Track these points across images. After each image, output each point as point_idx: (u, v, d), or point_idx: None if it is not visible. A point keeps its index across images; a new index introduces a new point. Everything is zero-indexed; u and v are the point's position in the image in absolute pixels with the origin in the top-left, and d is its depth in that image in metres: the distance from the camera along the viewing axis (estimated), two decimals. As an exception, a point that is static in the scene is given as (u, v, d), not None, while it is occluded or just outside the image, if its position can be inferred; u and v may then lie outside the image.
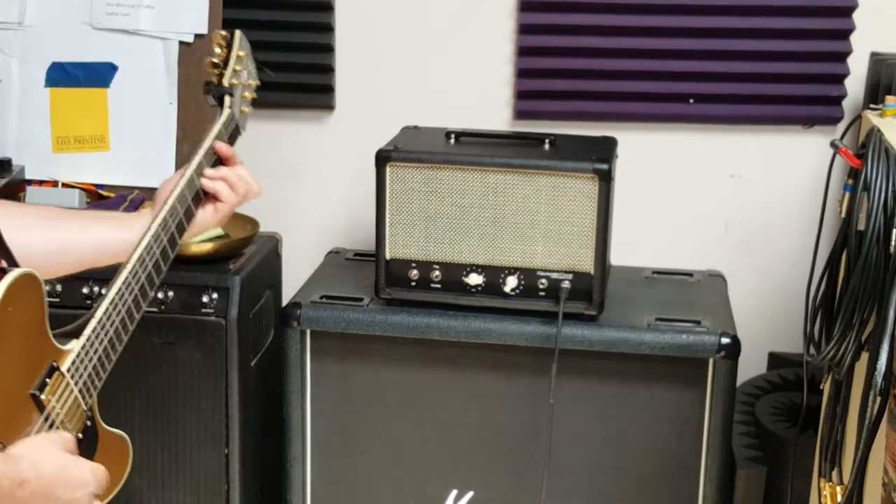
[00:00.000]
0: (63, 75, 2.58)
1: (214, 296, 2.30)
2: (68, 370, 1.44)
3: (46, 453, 1.33)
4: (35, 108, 2.59)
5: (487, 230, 2.20)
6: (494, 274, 2.22)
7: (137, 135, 2.58)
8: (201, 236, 2.41)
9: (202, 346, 2.31)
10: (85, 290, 2.31)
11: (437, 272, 2.24)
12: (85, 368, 1.47)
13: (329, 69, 2.72)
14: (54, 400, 1.40)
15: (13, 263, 1.40)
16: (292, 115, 2.78)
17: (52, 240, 1.65)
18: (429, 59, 2.71)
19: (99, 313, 1.50)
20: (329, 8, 2.69)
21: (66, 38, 2.56)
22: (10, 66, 2.59)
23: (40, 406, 1.37)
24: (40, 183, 2.57)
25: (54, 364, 1.41)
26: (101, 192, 2.56)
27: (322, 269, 2.55)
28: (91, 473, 1.39)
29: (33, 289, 1.37)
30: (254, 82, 1.91)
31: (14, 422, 1.33)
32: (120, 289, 1.54)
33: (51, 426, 1.39)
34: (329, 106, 2.76)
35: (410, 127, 2.44)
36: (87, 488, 1.38)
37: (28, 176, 2.57)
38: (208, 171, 1.74)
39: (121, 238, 1.67)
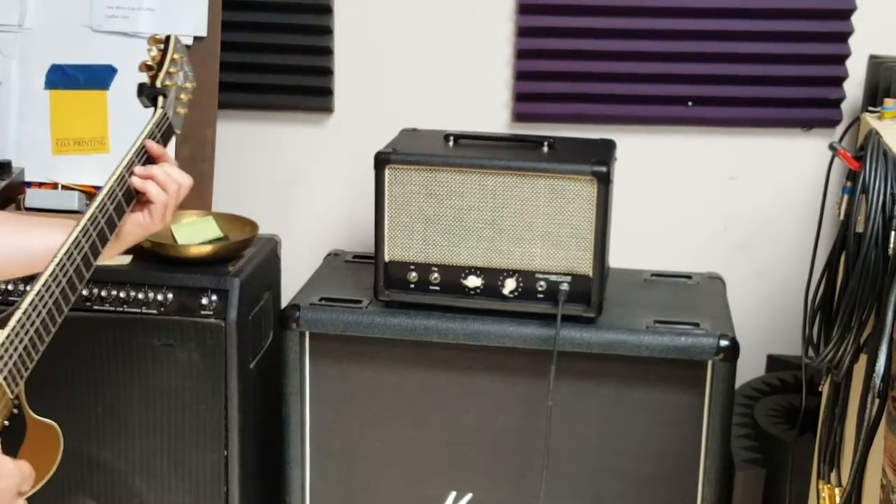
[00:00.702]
0: (63, 77, 2.58)
1: (214, 298, 2.30)
2: None
3: None
4: (35, 111, 2.59)
5: (486, 232, 2.20)
6: (493, 276, 2.22)
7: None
8: (200, 238, 2.42)
9: (201, 348, 2.32)
10: (84, 292, 2.31)
11: (435, 274, 2.24)
12: (10, 357, 1.47)
13: (328, 72, 2.73)
14: None
15: None
16: (291, 117, 2.78)
17: (7, 244, 1.69)
18: (428, 61, 2.71)
19: (25, 304, 1.51)
20: (328, 11, 2.69)
21: (65, 40, 2.57)
22: (10, 69, 2.59)
23: None
24: (40, 185, 2.57)
25: None
26: (100, 193, 2.56)
27: (321, 271, 2.55)
28: (14, 467, 1.40)
29: None
30: (190, 85, 1.95)
31: None
32: (46, 281, 1.55)
33: None
34: (328, 108, 2.76)
35: (409, 129, 2.45)
36: (7, 480, 1.38)
37: (28, 178, 2.57)
38: (137, 170, 1.76)
39: (62, 241, 1.68)
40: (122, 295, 2.31)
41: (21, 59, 2.59)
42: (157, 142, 1.82)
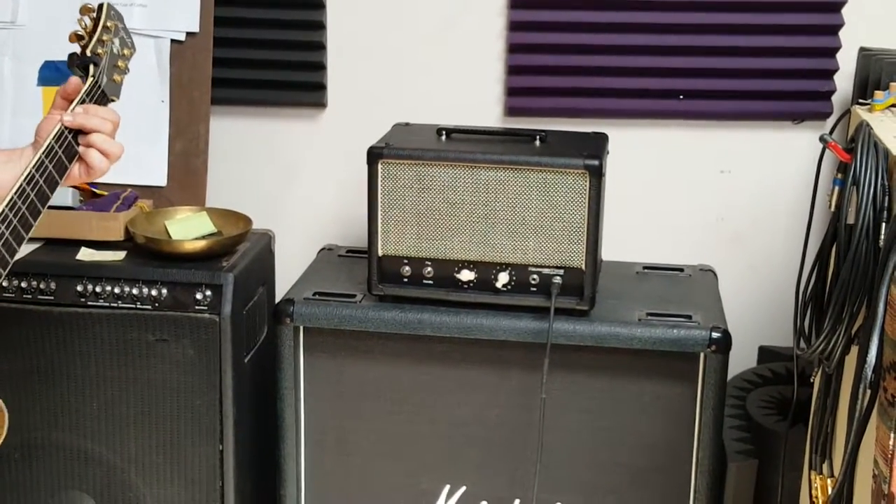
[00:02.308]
0: (55, 74, 2.58)
1: (208, 293, 2.31)
2: None
3: None
4: (28, 107, 2.59)
5: (479, 226, 2.21)
6: (486, 270, 2.23)
7: (129, 133, 2.56)
8: (194, 234, 2.42)
9: (196, 343, 2.32)
10: (79, 288, 2.32)
11: (428, 268, 2.24)
12: None
13: (321, 67, 2.73)
14: None
15: None
16: (284, 112, 2.78)
17: None
18: (420, 56, 2.72)
19: None
20: (321, 6, 2.69)
21: (58, 36, 2.55)
22: (3, 65, 2.59)
23: None
24: (32, 181, 2.56)
25: None
26: (94, 190, 2.56)
27: (315, 265, 2.56)
28: None
29: None
30: (128, 51, 1.94)
31: None
32: None
33: None
34: (321, 104, 2.76)
35: (402, 124, 2.45)
36: None
37: (20, 174, 2.56)
38: (66, 119, 1.77)
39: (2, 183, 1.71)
40: (116, 291, 2.32)
41: (14, 55, 2.58)
42: None
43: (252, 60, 2.73)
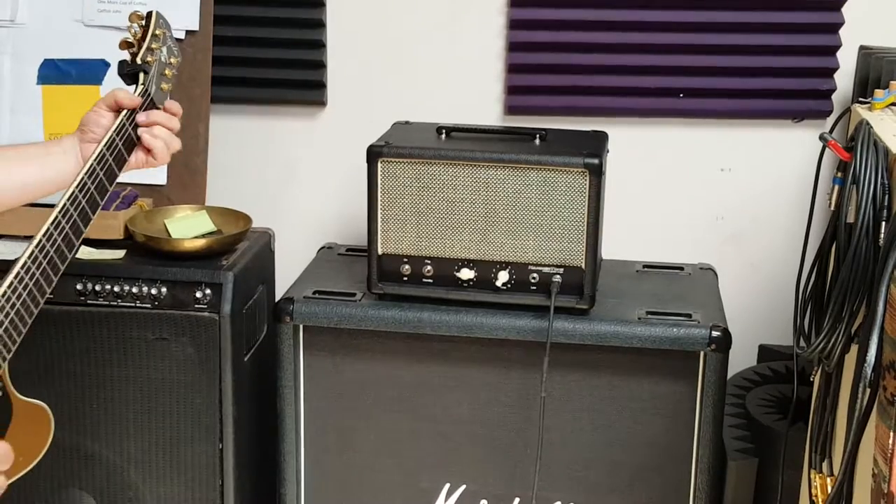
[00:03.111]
0: (55, 72, 2.58)
1: (207, 291, 2.31)
2: None
3: None
4: (27, 105, 2.59)
5: (479, 225, 2.21)
6: (486, 268, 2.23)
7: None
8: (194, 232, 2.42)
9: (195, 342, 2.32)
10: (79, 287, 2.32)
11: (428, 267, 2.24)
12: None
13: (321, 65, 2.73)
14: None
15: None
16: (284, 111, 2.78)
17: None
18: (420, 54, 2.72)
19: (4, 285, 1.49)
20: (320, 4, 2.69)
21: (58, 35, 2.57)
22: (3, 63, 2.59)
23: None
24: (33, 180, 2.57)
25: None
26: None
27: (314, 264, 2.56)
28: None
29: None
30: (175, 60, 1.94)
31: None
32: (25, 262, 1.54)
33: None
34: (321, 102, 2.76)
35: (402, 122, 2.45)
36: None
37: (20, 173, 2.56)
38: (141, 118, 1.81)
39: (41, 177, 1.73)
40: (115, 289, 2.32)
41: (13, 53, 2.58)
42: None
43: (252, 59, 2.73)
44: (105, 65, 2.57)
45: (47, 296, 1.58)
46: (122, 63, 1.88)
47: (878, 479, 1.46)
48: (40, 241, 1.57)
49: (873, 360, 1.45)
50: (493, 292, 2.23)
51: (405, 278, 2.26)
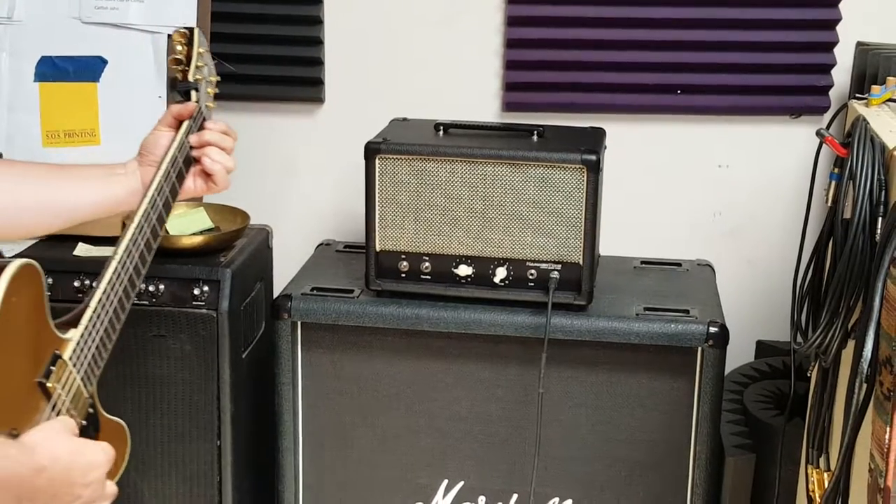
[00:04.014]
0: (52, 69, 2.57)
1: (205, 288, 2.31)
2: (70, 358, 1.45)
3: (59, 439, 1.35)
4: (24, 103, 2.58)
5: (476, 221, 2.21)
6: (484, 265, 2.23)
7: (127, 129, 2.57)
8: (192, 229, 2.42)
9: (193, 339, 2.32)
10: (76, 284, 2.32)
11: (426, 263, 2.25)
12: (85, 356, 1.49)
13: (318, 62, 2.73)
14: (59, 387, 1.42)
15: None
16: (282, 108, 2.78)
17: (40, 200, 1.67)
18: (418, 51, 2.72)
19: (94, 302, 1.52)
20: (318, 1, 2.69)
21: (55, 32, 2.56)
22: (0, 61, 2.59)
23: (47, 394, 1.39)
24: (30, 177, 2.56)
25: (57, 352, 1.43)
26: (91, 185, 2.55)
27: (312, 261, 2.56)
28: (103, 454, 1.42)
29: (34, 279, 1.39)
30: (214, 78, 1.95)
31: (24, 409, 1.35)
32: (111, 278, 1.56)
33: (57, 414, 1.41)
34: (318, 99, 2.76)
35: (399, 119, 2.45)
36: (100, 469, 1.40)
37: (18, 170, 2.56)
38: (193, 140, 1.79)
39: (105, 197, 1.72)
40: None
41: (11, 51, 2.58)
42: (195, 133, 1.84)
43: (249, 56, 2.73)
44: (102, 62, 2.56)
45: (126, 314, 1.60)
46: (174, 80, 1.88)
47: (874, 474, 1.46)
48: (121, 258, 1.59)
49: (869, 355, 1.46)
50: (490, 288, 2.24)
51: (403, 275, 2.26)
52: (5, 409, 1.31)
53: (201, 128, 1.84)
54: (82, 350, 1.48)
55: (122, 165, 1.78)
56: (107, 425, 1.56)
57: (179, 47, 1.89)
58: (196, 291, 2.31)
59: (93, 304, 1.52)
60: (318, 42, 2.72)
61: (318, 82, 2.74)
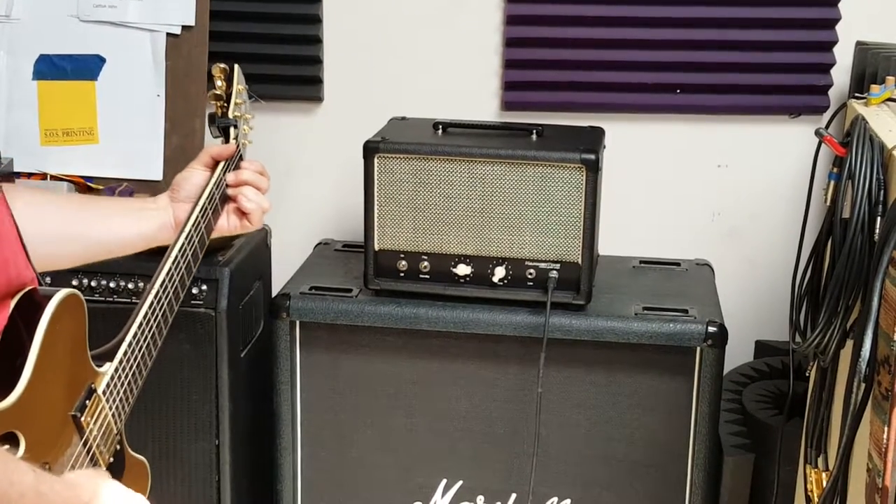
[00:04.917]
0: (51, 68, 2.57)
1: (204, 287, 2.30)
2: (103, 392, 1.41)
3: (101, 479, 1.31)
4: (23, 101, 2.58)
5: (475, 221, 2.21)
6: (482, 264, 2.23)
7: (126, 127, 2.58)
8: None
9: (192, 338, 2.32)
10: (74, 283, 2.31)
11: (425, 263, 2.24)
12: (117, 392, 1.44)
13: (317, 61, 2.73)
14: (92, 422, 1.37)
15: (31, 265, 1.38)
16: (281, 107, 2.78)
17: (67, 231, 1.64)
18: (417, 50, 2.71)
19: (129, 336, 1.47)
20: (317, -1, 2.69)
21: (53, 30, 2.56)
22: (-2, 59, 2.59)
23: (80, 428, 1.35)
24: (29, 175, 2.57)
25: (92, 386, 1.38)
26: (89, 184, 2.55)
27: (311, 260, 2.56)
28: (143, 499, 1.37)
29: (78, 309, 1.35)
30: (249, 116, 1.92)
31: (57, 442, 1.31)
32: (146, 312, 1.52)
33: (88, 450, 1.37)
34: (317, 98, 2.76)
35: (398, 118, 2.45)
36: None
37: (16, 168, 2.56)
38: (230, 178, 1.77)
39: (136, 231, 1.69)
40: (111, 285, 2.31)
41: (9, 49, 2.58)
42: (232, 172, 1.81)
43: (248, 54, 2.72)
44: (101, 60, 2.56)
45: (158, 348, 1.56)
46: (212, 116, 1.85)
47: (872, 473, 1.46)
48: (157, 292, 1.55)
49: (868, 355, 1.46)
50: (489, 288, 2.23)
51: (402, 274, 2.26)
52: (42, 441, 1.27)
53: (237, 166, 1.81)
54: (115, 385, 1.44)
55: (154, 200, 1.75)
56: (131, 463, 1.52)
57: (219, 83, 1.85)
58: (194, 290, 2.30)
59: (128, 338, 1.47)
60: (317, 41, 2.71)
61: (317, 81, 2.74)
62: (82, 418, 1.35)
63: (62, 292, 1.32)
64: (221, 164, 1.76)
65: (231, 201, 1.77)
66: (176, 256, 1.61)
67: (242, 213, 1.79)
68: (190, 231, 1.64)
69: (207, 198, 1.70)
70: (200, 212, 1.68)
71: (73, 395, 1.35)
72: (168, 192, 1.76)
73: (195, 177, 1.75)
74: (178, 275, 1.60)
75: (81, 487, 1.27)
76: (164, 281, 1.57)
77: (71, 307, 1.33)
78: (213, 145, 1.80)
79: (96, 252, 1.70)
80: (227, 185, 1.76)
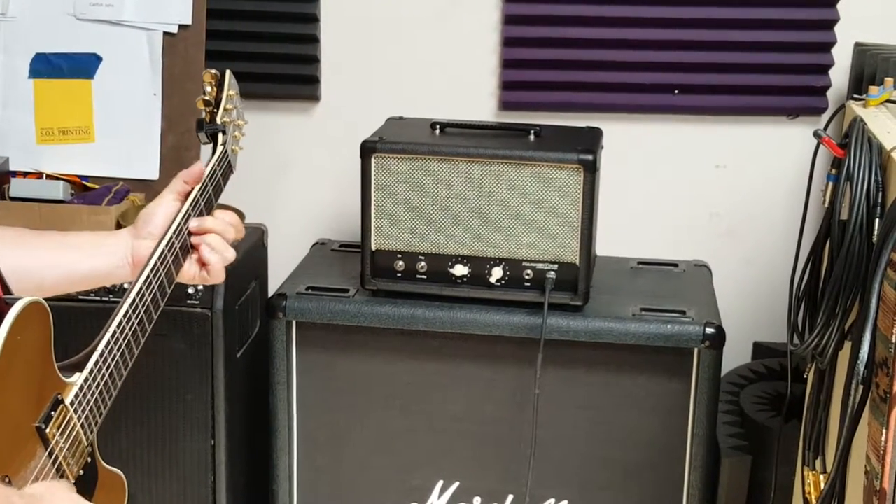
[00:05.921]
0: (47, 66, 2.57)
1: (200, 287, 2.30)
2: (71, 403, 1.38)
3: (59, 491, 1.29)
4: (19, 100, 2.58)
5: (473, 221, 2.20)
6: (480, 265, 2.22)
7: (122, 126, 2.58)
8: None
9: (188, 338, 2.31)
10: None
11: (422, 263, 2.24)
12: (87, 402, 1.41)
13: (314, 60, 2.72)
14: (58, 434, 1.34)
15: (6, 289, 1.35)
16: (278, 106, 2.77)
17: (19, 264, 1.55)
18: (414, 49, 2.71)
19: (101, 346, 1.44)
20: (314, -1, 2.69)
21: (49, 29, 2.55)
22: (-6, 57, 2.59)
23: (45, 440, 1.32)
24: (25, 174, 2.56)
25: (59, 396, 1.35)
26: (85, 183, 2.55)
27: (308, 260, 2.55)
28: None
29: (42, 318, 1.33)
30: (242, 122, 1.89)
31: (18, 454, 1.28)
32: (121, 321, 1.48)
33: (54, 461, 1.34)
34: (314, 97, 2.76)
35: (395, 118, 2.44)
36: None
37: (12, 167, 2.56)
38: (193, 225, 1.64)
39: (89, 267, 1.60)
40: (107, 285, 2.30)
41: (4, 47, 2.57)
42: (217, 179, 1.73)
43: (245, 53, 2.73)
44: (97, 59, 2.56)
45: (130, 365, 1.51)
46: (200, 121, 1.78)
47: (870, 476, 1.46)
48: (133, 300, 1.50)
49: (866, 357, 1.45)
50: (486, 289, 2.23)
51: (399, 274, 2.25)
52: (1, 453, 1.24)
53: (225, 174, 1.74)
54: (84, 396, 1.40)
55: (115, 234, 1.65)
56: (105, 476, 1.48)
57: (209, 88, 1.80)
58: (190, 290, 2.30)
59: (100, 348, 1.44)
60: (315, 40, 2.71)
61: (314, 80, 2.74)
62: (47, 430, 1.31)
63: (23, 301, 1.28)
64: (194, 191, 1.65)
65: (193, 250, 1.64)
66: (140, 289, 1.52)
67: (203, 264, 1.65)
68: (148, 275, 1.54)
69: (175, 232, 1.59)
70: (167, 247, 1.57)
71: (38, 407, 1.32)
72: (132, 226, 1.65)
73: (162, 209, 1.62)
74: (157, 281, 1.54)
75: (40, 499, 1.25)
76: (140, 289, 1.51)
77: (34, 316, 1.30)
78: (184, 170, 1.68)
79: (48, 287, 1.59)
80: (189, 233, 1.63)
